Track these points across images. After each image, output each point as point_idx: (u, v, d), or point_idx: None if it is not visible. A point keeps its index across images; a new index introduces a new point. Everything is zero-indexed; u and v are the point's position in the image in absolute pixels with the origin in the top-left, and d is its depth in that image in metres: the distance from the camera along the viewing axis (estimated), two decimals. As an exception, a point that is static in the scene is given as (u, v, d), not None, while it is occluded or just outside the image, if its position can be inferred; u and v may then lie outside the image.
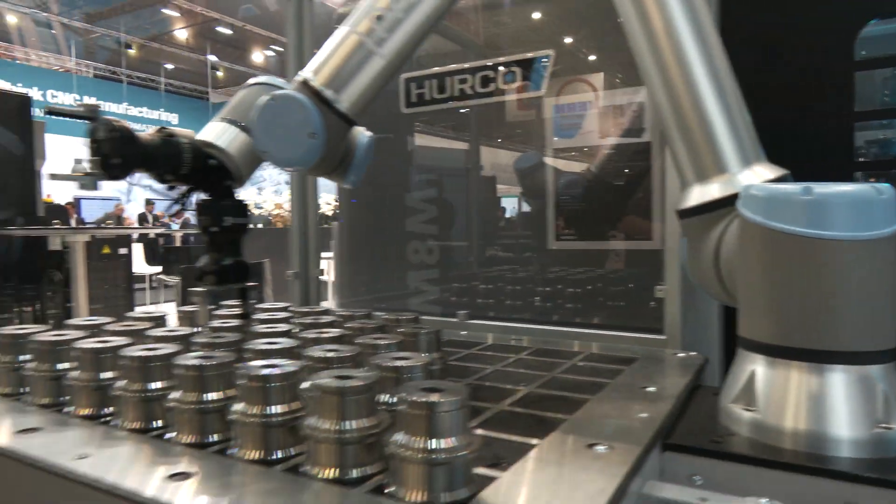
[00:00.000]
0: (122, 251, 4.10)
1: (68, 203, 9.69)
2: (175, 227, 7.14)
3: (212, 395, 0.63)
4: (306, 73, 0.78)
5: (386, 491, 0.51)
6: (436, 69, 1.46)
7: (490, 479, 0.53)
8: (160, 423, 0.67)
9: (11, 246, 3.91)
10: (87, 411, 0.71)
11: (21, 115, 3.98)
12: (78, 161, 11.79)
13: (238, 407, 0.60)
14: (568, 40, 1.37)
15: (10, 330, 0.83)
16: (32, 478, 0.59)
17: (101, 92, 15.78)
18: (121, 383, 0.68)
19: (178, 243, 5.46)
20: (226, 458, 0.59)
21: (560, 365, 1.00)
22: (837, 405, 0.63)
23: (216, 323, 0.95)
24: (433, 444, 0.50)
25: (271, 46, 16.38)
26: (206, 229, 0.87)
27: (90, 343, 0.74)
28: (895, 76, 1.35)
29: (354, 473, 0.54)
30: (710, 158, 0.82)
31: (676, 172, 0.86)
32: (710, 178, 0.82)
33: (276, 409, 0.59)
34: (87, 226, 6.55)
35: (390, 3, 0.75)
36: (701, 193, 0.83)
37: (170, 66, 17.14)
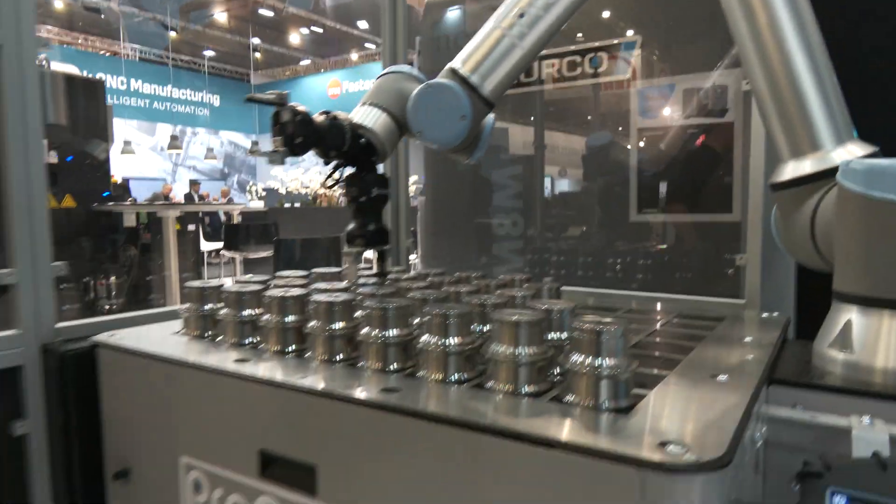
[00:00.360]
0: (191, 227, 4.34)
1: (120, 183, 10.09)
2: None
3: (457, 339, 0.74)
4: (455, 63, 0.91)
5: (563, 400, 0.65)
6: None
7: (640, 397, 0.66)
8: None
9: (86, 221, 4.17)
10: (324, 354, 0.84)
11: (97, 100, 4.22)
12: (127, 143, 12.21)
13: (493, 348, 0.70)
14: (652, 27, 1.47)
15: (237, 287, 0.96)
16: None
17: (147, 74, 16.24)
18: (364, 329, 0.80)
19: (235, 221, 5.73)
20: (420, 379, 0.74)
21: (657, 321, 1.13)
22: (926, 347, 0.75)
23: (362, 280, 1.09)
24: (604, 362, 0.63)
25: (311, 28, 16.53)
26: (354, 199, 1.01)
27: (323, 296, 0.85)
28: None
29: (526, 389, 0.68)
30: (806, 137, 0.92)
31: (774, 148, 0.97)
32: (805, 154, 0.92)
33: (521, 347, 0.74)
34: (158, 203, 6.85)
35: (531, 1, 0.87)
36: (795, 168, 0.94)
37: (210, 53, 17.47)
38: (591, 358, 0.63)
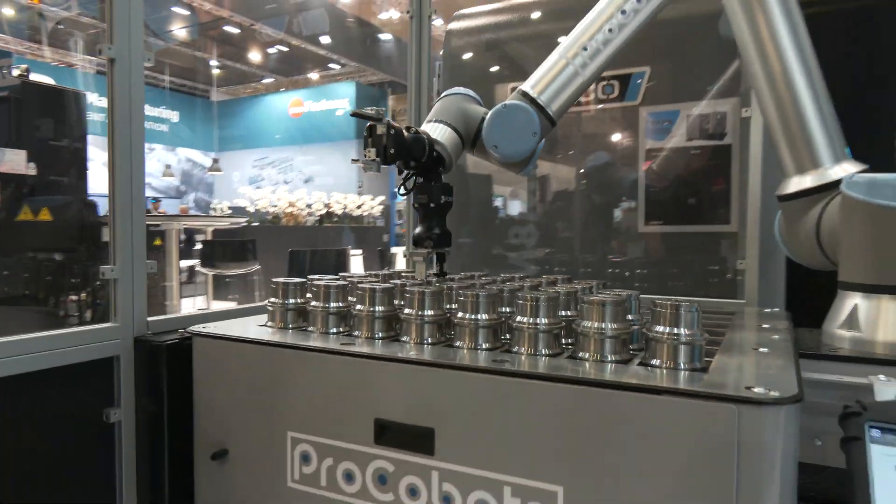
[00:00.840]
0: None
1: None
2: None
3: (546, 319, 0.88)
4: (526, 86, 1.05)
5: (649, 364, 0.79)
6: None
7: (708, 362, 0.81)
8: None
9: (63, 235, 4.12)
10: (416, 337, 0.96)
11: (78, 113, 4.20)
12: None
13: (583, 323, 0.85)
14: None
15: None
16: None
17: (104, 88, 15.86)
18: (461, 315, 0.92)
19: (209, 237, 5.69)
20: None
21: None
22: (918, 325, 0.92)
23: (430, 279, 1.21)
24: (683, 331, 0.78)
25: (277, 46, 16.55)
26: (424, 205, 1.14)
27: (416, 288, 0.98)
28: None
29: (612, 357, 0.82)
30: (808, 156, 1.11)
31: (780, 165, 1.15)
32: (807, 170, 1.11)
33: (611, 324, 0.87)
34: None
35: (593, 36, 1.03)
36: (800, 182, 1.12)
37: (164, 78, 17.24)
38: (674, 328, 0.78)
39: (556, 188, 1.83)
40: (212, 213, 10.30)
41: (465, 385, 0.80)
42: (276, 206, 8.89)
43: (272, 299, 1.09)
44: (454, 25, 1.95)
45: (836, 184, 1.04)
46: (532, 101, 1.03)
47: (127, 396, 1.07)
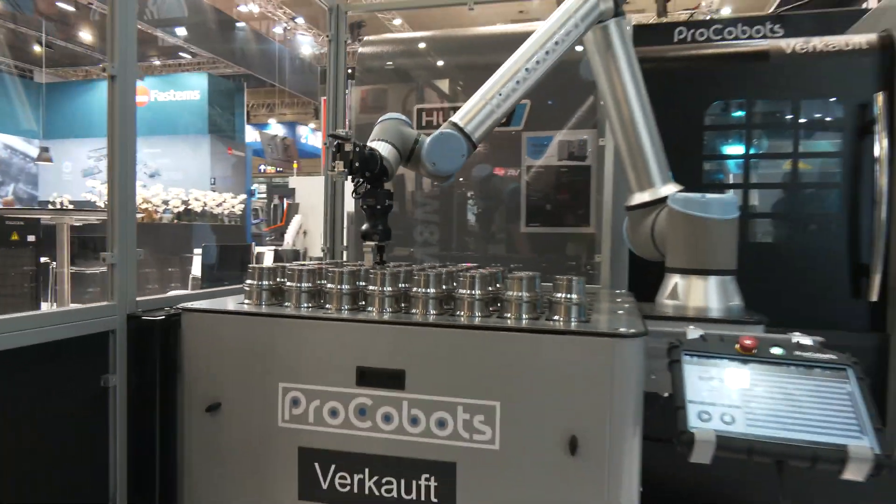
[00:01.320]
0: (31, 238, 4.06)
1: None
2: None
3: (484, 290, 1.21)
4: (456, 119, 1.38)
5: (551, 319, 1.16)
6: (440, 104, 2.09)
7: (588, 319, 1.19)
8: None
9: None
10: (379, 308, 1.25)
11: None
12: None
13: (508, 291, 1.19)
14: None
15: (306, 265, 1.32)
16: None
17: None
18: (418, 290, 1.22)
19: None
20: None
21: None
22: (712, 294, 1.40)
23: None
24: (574, 296, 1.15)
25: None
26: (371, 207, 1.42)
27: (377, 271, 1.27)
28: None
29: (526, 316, 1.18)
30: (646, 179, 1.56)
31: (626, 184, 1.60)
32: (645, 189, 1.56)
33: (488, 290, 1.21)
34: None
35: (505, 84, 1.39)
36: (640, 197, 1.57)
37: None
38: (569, 294, 1.15)
39: (455, 195, 2.19)
40: (50, 207, 9.38)
41: (427, 337, 1.12)
42: (128, 201, 8.35)
43: (249, 281, 1.32)
44: (364, 49, 2.24)
45: (664, 199, 1.50)
46: (461, 130, 1.36)
47: (121, 365, 1.24)
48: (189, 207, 9.34)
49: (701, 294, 1.42)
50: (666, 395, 1.19)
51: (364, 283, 1.27)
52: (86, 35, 16.13)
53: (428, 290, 1.22)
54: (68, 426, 1.19)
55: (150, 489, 1.26)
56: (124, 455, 1.25)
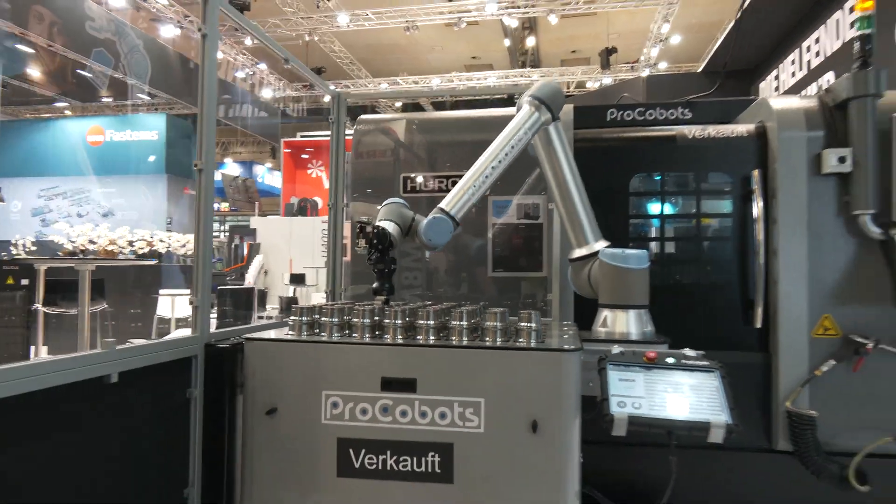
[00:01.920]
0: (24, 282, 4.30)
1: None
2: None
3: (467, 322, 1.69)
4: (443, 205, 1.88)
5: (516, 341, 1.65)
6: (422, 172, 2.60)
7: (546, 340, 1.69)
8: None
9: None
10: (398, 334, 1.70)
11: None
12: None
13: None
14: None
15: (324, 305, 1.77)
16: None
17: None
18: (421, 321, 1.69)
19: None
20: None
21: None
22: (631, 323, 1.92)
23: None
24: (533, 325, 1.65)
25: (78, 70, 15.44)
26: (381, 270, 1.88)
27: (394, 309, 1.73)
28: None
29: (499, 340, 1.66)
30: (582, 237, 2.10)
31: (568, 241, 2.13)
32: (582, 245, 2.10)
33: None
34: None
35: (478, 178, 1.90)
36: (579, 252, 2.10)
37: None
38: (529, 324, 1.65)
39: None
40: (12, 249, 9.36)
41: (432, 354, 1.60)
42: (95, 242, 8.53)
43: (293, 317, 1.77)
44: (360, 127, 2.74)
45: (596, 253, 2.04)
46: (447, 213, 1.86)
47: (199, 381, 1.67)
48: (153, 248, 9.52)
49: (623, 323, 1.94)
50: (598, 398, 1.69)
51: (380, 318, 1.74)
52: (36, 73, 16.13)
53: (429, 322, 1.69)
54: (167, 425, 1.60)
55: (219, 474, 1.67)
56: (200, 446, 1.67)
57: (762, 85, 11.55)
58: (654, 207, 2.65)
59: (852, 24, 2.32)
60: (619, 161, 2.61)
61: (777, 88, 10.75)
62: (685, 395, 1.55)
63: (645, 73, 15.03)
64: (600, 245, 2.07)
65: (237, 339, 1.73)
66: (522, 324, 1.66)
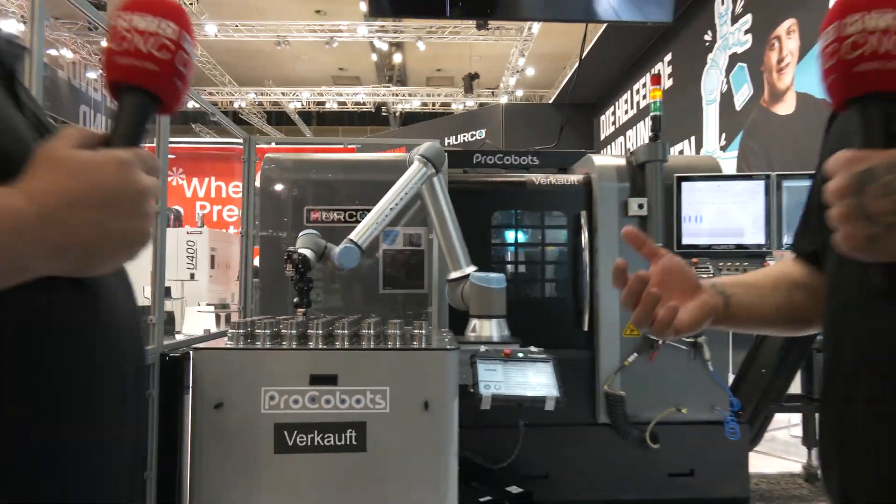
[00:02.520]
0: None
1: None
2: None
3: (374, 331, 2.21)
4: (353, 236, 2.39)
5: (411, 346, 2.22)
6: (324, 206, 3.09)
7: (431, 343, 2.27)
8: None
9: None
10: (319, 342, 2.18)
11: None
12: None
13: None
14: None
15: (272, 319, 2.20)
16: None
17: None
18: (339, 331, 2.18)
19: None
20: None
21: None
22: (493, 329, 2.57)
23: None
24: (423, 331, 2.23)
25: None
26: (300, 289, 2.36)
27: (314, 321, 2.21)
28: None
29: (397, 344, 2.22)
30: (457, 262, 2.73)
31: (445, 265, 2.74)
32: (456, 269, 2.73)
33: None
34: None
35: (381, 215, 2.45)
36: (454, 274, 2.73)
37: None
38: (419, 331, 2.22)
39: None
40: None
41: (348, 355, 2.12)
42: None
43: (231, 330, 2.19)
44: (266, 166, 3.17)
45: (468, 275, 2.66)
46: (356, 244, 2.38)
47: (155, 383, 2.05)
48: None
49: (488, 329, 2.58)
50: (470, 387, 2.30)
51: (304, 329, 2.23)
52: None
53: (344, 331, 2.21)
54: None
55: (173, 460, 2.06)
56: (157, 436, 2.05)
57: (602, 118, 13.20)
58: (510, 236, 3.36)
59: (650, 108, 3.18)
60: (483, 200, 3.29)
61: (614, 123, 12.38)
62: (530, 379, 2.21)
63: (503, 99, 16.37)
64: (470, 269, 2.71)
65: (186, 349, 2.13)
66: (415, 331, 2.23)
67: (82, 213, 0.61)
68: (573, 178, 3.36)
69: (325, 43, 13.45)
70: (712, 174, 3.17)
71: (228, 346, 2.15)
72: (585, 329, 3.20)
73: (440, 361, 2.14)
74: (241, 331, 2.21)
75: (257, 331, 2.20)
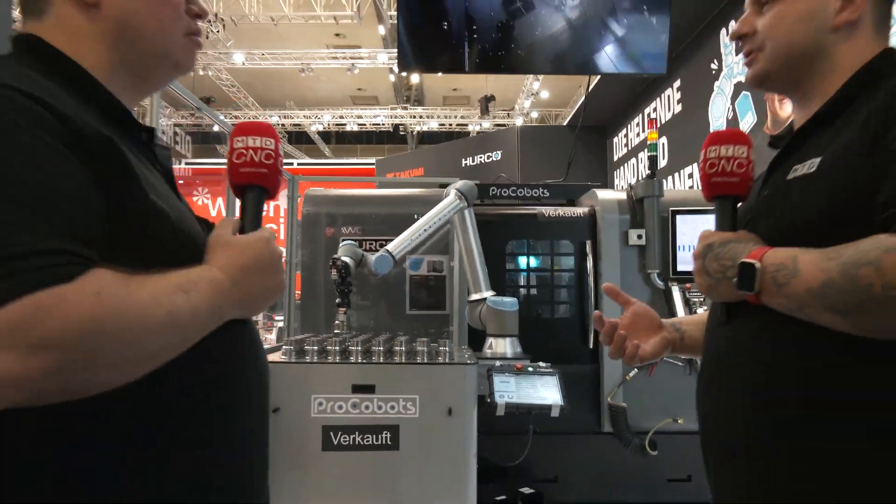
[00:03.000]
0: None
1: None
2: None
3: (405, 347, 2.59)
4: (389, 247, 2.79)
5: (436, 360, 2.60)
6: (357, 234, 3.51)
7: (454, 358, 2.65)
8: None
9: None
10: (362, 357, 2.57)
11: None
12: None
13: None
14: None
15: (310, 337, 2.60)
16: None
17: None
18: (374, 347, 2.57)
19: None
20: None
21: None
22: (507, 346, 2.94)
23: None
24: (447, 349, 2.61)
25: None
26: (342, 291, 2.76)
27: (357, 339, 2.60)
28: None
29: (425, 359, 2.61)
30: (478, 286, 3.12)
31: (468, 288, 3.13)
32: (476, 292, 3.11)
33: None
34: None
35: (413, 236, 2.85)
36: (474, 296, 3.12)
37: None
38: (444, 348, 2.61)
39: (366, 290, 3.58)
40: None
41: (385, 368, 2.50)
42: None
43: (285, 346, 2.59)
44: (307, 204, 3.60)
45: (485, 298, 3.05)
46: (390, 253, 2.78)
47: (224, 392, 2.44)
48: None
49: (502, 346, 2.96)
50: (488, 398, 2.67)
51: (347, 346, 2.62)
52: None
53: (380, 348, 2.61)
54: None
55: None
56: (225, 439, 2.44)
57: (615, 140, 13.57)
58: (522, 262, 3.74)
59: (647, 146, 3.57)
60: (499, 230, 3.69)
61: (626, 145, 12.74)
62: (538, 390, 2.58)
63: (519, 121, 16.83)
64: (489, 293, 3.09)
65: (248, 362, 2.53)
66: (440, 348, 2.62)
67: (252, 277, 0.99)
68: (579, 210, 3.74)
69: (346, 70, 14.02)
70: (703, 208, 3.52)
71: (283, 359, 2.55)
72: (591, 346, 3.56)
73: (461, 374, 2.52)
74: (293, 347, 2.61)
75: (306, 347, 2.61)
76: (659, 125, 10.62)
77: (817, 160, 0.93)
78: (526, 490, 3.30)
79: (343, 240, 2.89)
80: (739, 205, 1.09)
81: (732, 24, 8.10)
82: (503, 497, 3.19)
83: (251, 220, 1.06)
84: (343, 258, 2.76)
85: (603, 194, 3.69)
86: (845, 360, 0.87)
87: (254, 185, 1.04)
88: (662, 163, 10.05)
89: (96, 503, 0.71)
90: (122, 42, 0.85)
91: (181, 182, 20.05)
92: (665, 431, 3.44)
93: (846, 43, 0.97)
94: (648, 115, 11.04)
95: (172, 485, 0.80)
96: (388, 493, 2.46)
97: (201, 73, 14.43)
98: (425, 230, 2.91)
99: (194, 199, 20.40)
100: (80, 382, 0.64)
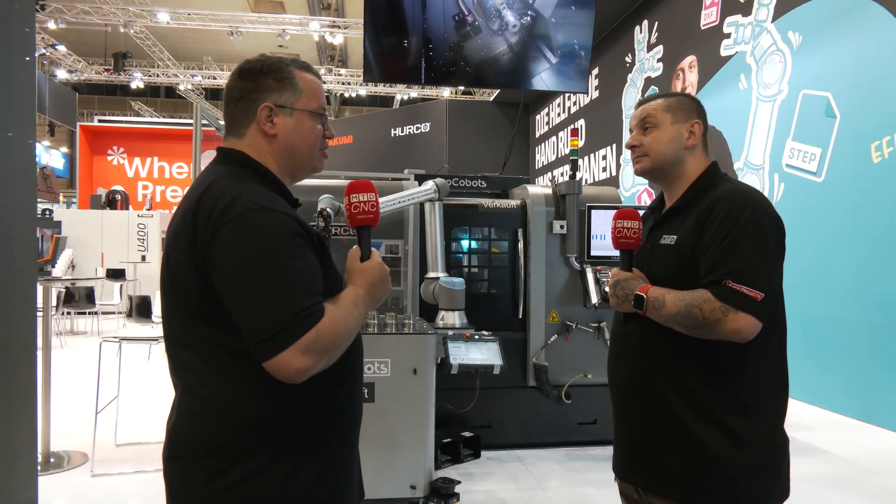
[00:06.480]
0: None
1: None
2: None
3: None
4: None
5: (403, 331, 3.23)
6: (324, 223, 4.05)
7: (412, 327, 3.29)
8: (342, 329, 3.19)
9: None
10: None
11: None
12: None
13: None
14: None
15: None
16: (338, 336, 3.11)
17: None
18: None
19: None
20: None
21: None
22: (456, 318, 3.62)
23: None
24: (412, 321, 3.24)
25: None
26: (324, 235, 3.31)
27: None
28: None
29: (395, 330, 3.23)
30: (436, 267, 3.75)
31: (426, 269, 3.76)
32: (432, 271, 3.75)
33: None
34: None
35: (389, 202, 3.41)
36: (430, 275, 3.76)
37: None
38: (408, 320, 3.24)
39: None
40: None
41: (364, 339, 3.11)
42: None
43: (278, 321, 3.13)
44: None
45: (438, 278, 3.69)
46: None
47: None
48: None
49: (452, 318, 3.62)
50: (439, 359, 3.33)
51: (328, 320, 3.20)
52: None
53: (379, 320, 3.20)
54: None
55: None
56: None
57: (538, 117, 14.40)
58: (465, 245, 4.40)
59: (570, 155, 4.27)
60: (445, 218, 4.31)
61: (548, 123, 13.59)
62: (482, 353, 3.27)
63: (446, 93, 17.31)
64: (442, 274, 3.73)
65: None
66: (405, 321, 3.25)
67: (377, 289, 1.35)
68: (513, 202, 4.43)
69: (277, 35, 13.96)
70: (612, 204, 4.31)
71: (279, 331, 3.11)
72: (520, 317, 4.30)
73: (424, 342, 3.17)
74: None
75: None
76: (578, 108, 11.51)
77: (675, 237, 1.62)
78: (466, 434, 4.03)
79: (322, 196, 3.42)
80: (634, 252, 1.76)
81: (646, 24, 8.98)
82: (449, 439, 3.91)
83: (366, 249, 1.49)
84: (328, 209, 3.30)
85: (533, 189, 4.39)
86: (688, 345, 1.57)
87: (365, 226, 1.43)
88: (581, 143, 10.95)
89: (323, 405, 1.28)
90: (286, 157, 1.38)
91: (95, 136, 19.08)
92: (577, 385, 4.26)
93: (692, 157, 1.65)
94: (569, 108, 11.88)
95: (342, 398, 1.36)
96: (366, 437, 3.10)
97: (122, 30, 13.90)
98: (400, 201, 3.49)
99: (109, 158, 19.57)
100: (329, 363, 1.19)
